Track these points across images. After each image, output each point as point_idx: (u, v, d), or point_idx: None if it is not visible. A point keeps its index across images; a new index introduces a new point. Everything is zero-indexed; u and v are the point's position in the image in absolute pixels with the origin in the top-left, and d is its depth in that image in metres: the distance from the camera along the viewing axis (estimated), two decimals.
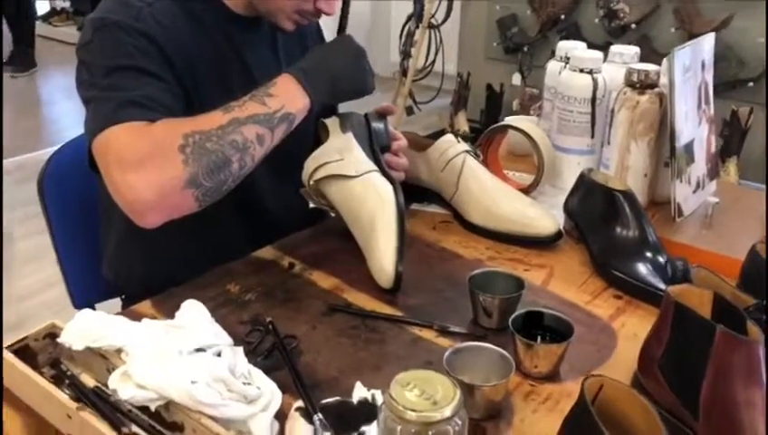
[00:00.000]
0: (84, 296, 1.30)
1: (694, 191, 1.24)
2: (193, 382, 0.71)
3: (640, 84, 1.20)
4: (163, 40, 0.99)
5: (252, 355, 0.88)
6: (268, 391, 0.77)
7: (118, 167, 0.89)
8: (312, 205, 1.12)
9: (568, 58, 1.33)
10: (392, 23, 4.17)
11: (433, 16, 3.33)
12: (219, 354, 0.77)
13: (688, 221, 1.21)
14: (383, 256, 0.99)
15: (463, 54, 3.56)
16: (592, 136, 1.30)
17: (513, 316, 0.88)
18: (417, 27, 3.42)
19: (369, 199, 1.04)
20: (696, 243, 1.13)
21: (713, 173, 1.33)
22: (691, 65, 1.19)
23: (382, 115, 1.18)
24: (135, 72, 0.96)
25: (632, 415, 0.67)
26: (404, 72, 3.69)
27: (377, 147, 1.14)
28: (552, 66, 1.39)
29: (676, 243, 1.12)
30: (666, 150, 1.20)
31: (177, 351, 0.74)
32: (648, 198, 1.27)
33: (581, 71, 1.28)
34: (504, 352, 0.82)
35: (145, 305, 0.98)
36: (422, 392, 0.68)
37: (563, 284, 1.06)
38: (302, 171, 1.10)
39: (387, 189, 1.04)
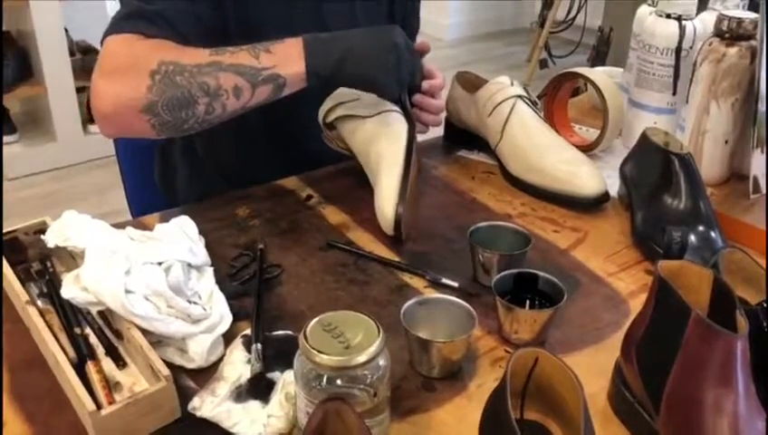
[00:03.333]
0: (140, 206, 1.35)
1: None
2: (128, 292, 0.70)
3: (730, 34, 1.02)
4: None
5: (231, 279, 0.87)
6: (217, 314, 0.75)
7: (97, 70, 0.90)
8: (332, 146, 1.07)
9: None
10: None
11: None
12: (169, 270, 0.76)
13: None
14: (384, 199, 0.93)
15: (609, 7, 3.29)
16: (674, 93, 1.14)
17: (498, 276, 0.79)
18: None
19: (378, 139, 0.98)
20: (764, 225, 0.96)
21: None
22: None
23: (417, 53, 1.09)
24: None
25: (564, 392, 0.58)
26: (542, 23, 3.49)
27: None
28: (642, 11, 1.23)
29: (740, 221, 0.96)
30: None
31: (128, 260, 0.74)
32: (729, 170, 1.10)
33: (668, 16, 1.12)
34: (471, 308, 0.74)
35: (152, 218, 1.00)
36: (340, 335, 0.63)
37: (591, 251, 0.95)
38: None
39: (399, 129, 0.97)
